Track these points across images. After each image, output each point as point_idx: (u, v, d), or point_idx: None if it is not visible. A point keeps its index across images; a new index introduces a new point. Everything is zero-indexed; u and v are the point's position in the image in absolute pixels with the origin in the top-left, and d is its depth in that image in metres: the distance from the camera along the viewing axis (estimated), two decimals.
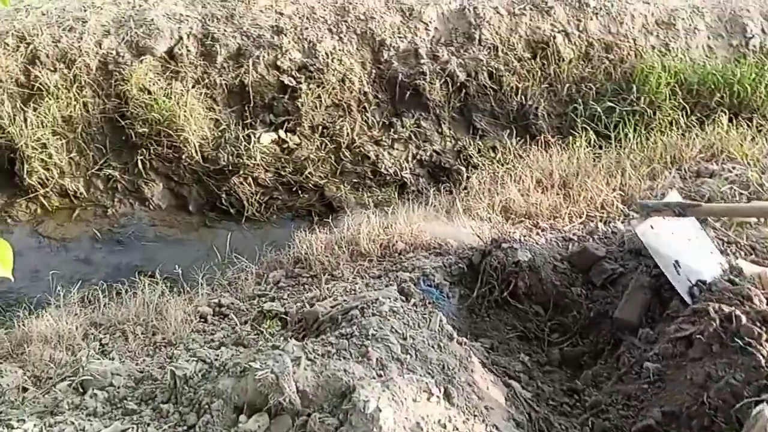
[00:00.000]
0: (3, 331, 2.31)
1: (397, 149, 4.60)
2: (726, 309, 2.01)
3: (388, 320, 1.81)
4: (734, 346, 1.91)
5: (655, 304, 2.24)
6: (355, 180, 4.39)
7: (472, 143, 4.68)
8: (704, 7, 5.45)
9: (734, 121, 4.05)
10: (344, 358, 1.63)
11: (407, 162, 4.51)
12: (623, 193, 3.24)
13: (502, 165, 3.88)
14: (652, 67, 4.80)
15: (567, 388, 2.15)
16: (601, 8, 5.28)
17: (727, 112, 4.21)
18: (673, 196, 2.36)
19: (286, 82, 4.62)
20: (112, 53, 4.62)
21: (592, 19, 5.20)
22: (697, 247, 2.37)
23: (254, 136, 4.34)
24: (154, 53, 4.63)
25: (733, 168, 3.34)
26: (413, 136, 4.70)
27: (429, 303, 2.16)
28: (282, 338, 1.93)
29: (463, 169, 4.39)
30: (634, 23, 5.26)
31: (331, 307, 2.00)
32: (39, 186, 4.06)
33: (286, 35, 4.91)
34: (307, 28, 4.99)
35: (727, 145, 3.65)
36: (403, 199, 4.07)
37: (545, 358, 2.27)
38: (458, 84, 4.87)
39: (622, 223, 2.85)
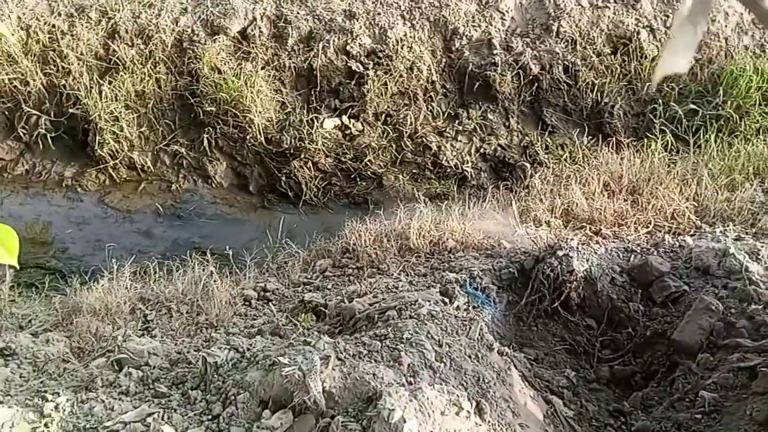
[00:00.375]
0: (58, 299, 2.38)
1: (461, 141, 4.49)
2: None
3: (426, 324, 1.74)
4: None
5: (719, 329, 2.07)
6: (414, 171, 4.32)
7: (540, 139, 4.50)
8: None
9: None
10: (375, 360, 1.57)
11: (470, 155, 4.39)
12: (696, 204, 3.03)
13: (570, 164, 3.71)
14: (743, 69, 4.47)
15: (613, 409, 2.03)
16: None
17: None
18: None
19: (354, 67, 4.57)
20: (187, 31, 4.70)
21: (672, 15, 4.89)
22: None
23: (317, 121, 4.33)
24: (228, 33, 4.68)
25: None
26: (478, 129, 4.57)
27: (473, 307, 2.07)
28: (317, 332, 1.90)
29: (528, 166, 4.24)
30: (727, 21, 4.91)
31: (369, 304, 1.95)
32: (109, 157, 4.20)
33: (357, 20, 4.85)
34: (379, 14, 4.92)
35: None
36: (462, 193, 3.98)
37: (593, 375, 2.15)
38: (531, 77, 4.69)
39: (692, 236, 2.66)
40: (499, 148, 4.52)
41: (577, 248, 2.39)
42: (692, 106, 4.37)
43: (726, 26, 4.92)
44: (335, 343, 1.64)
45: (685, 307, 2.18)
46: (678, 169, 3.37)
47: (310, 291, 2.32)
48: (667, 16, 4.91)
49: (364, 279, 2.31)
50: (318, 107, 4.47)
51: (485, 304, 2.14)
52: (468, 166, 4.34)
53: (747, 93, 4.39)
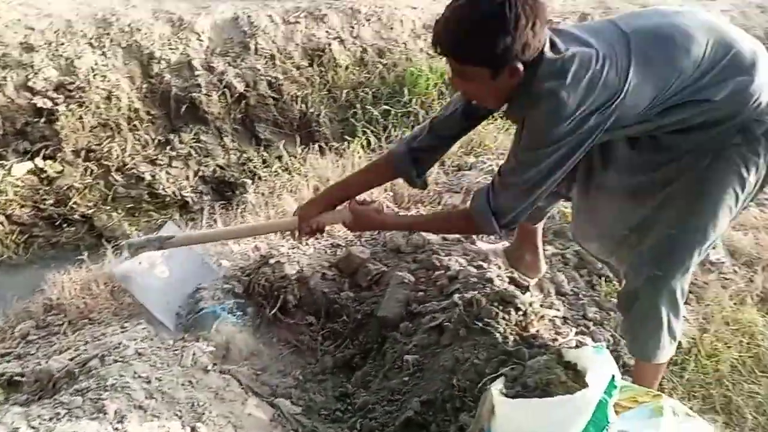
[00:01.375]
0: None
1: (176, 167, 4.41)
2: (468, 294, 2.18)
3: (131, 365, 1.70)
4: (476, 327, 2.07)
5: (413, 298, 2.36)
6: (130, 205, 4.13)
7: (256, 155, 4.63)
8: None
9: (492, 117, 4.42)
10: (76, 417, 1.49)
11: (188, 180, 4.34)
12: (393, 193, 3.40)
13: (284, 175, 3.87)
14: (421, 69, 5.10)
15: (339, 394, 2.19)
16: (372, 14, 5.49)
17: None
18: (167, 229, 2.30)
19: (41, 104, 4.20)
20: None
21: (364, 26, 5.39)
22: (181, 270, 2.38)
23: (4, 169, 3.89)
24: None
25: (487, 159, 3.65)
26: (194, 152, 4.53)
27: (191, 337, 2.07)
28: (10, 405, 1.72)
29: (249, 182, 4.32)
30: (403, 28, 5.54)
31: (70, 359, 1.83)
32: None
33: (38, 52, 4.46)
34: (63, 44, 4.59)
35: (484, 139, 3.99)
36: (186, 220, 3.91)
37: (318, 368, 2.30)
38: (237, 95, 4.79)
39: None
40: (218, 169, 4.55)
41: (287, 253, 2.52)
42: (385, 107, 4.87)
43: (403, 32, 5.55)
44: (26, 413, 1.51)
45: (386, 286, 2.44)
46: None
47: (9, 362, 2.09)
48: (353, 27, 5.38)
49: (71, 334, 2.16)
50: (4, 153, 4.01)
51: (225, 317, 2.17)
52: (188, 192, 4.28)
53: (427, 90, 5.03)
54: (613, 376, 1.75)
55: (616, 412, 1.72)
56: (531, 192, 1.76)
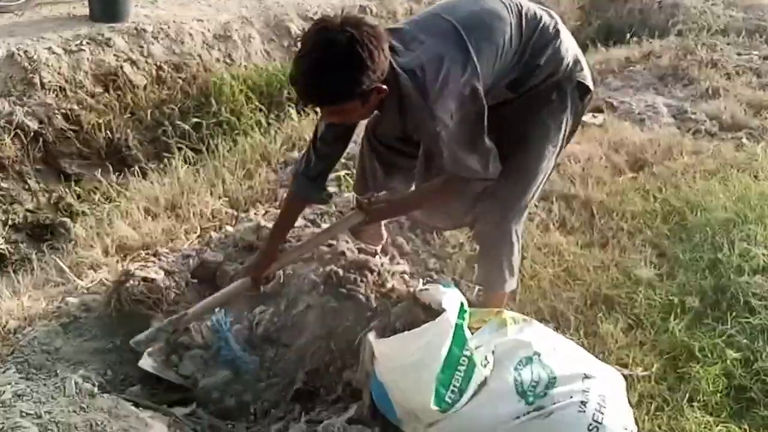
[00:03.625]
0: None
1: None
2: (326, 268, 2.39)
3: (15, 406, 1.66)
4: (340, 296, 2.28)
5: None
6: None
7: (68, 191, 4.39)
8: (251, 16, 6.04)
9: (303, 113, 4.63)
10: None
11: None
12: (229, 198, 3.48)
13: (107, 204, 3.75)
14: (222, 78, 5.17)
15: None
16: (159, 32, 5.40)
17: (295, 105, 4.80)
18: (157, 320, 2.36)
19: None
20: None
21: (153, 44, 5.30)
22: None
23: None
24: None
25: None
26: None
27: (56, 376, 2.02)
28: None
29: (68, 220, 4.11)
30: (194, 41, 5.54)
31: None
32: None
33: None
34: None
35: (302, 133, 4.20)
36: (6, 273, 3.62)
37: None
38: (32, 133, 4.48)
39: (233, 225, 3.08)
40: (29, 214, 4.25)
41: (143, 269, 2.52)
42: (195, 120, 4.87)
43: (195, 45, 5.55)
44: None
45: None
46: (203, 176, 3.77)
47: None
48: (142, 47, 5.26)
49: None
50: None
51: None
52: (1, 244, 3.95)
53: (234, 97, 5.11)
54: (462, 303, 2.07)
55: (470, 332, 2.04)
56: (480, 144, 2.01)
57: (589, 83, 2.23)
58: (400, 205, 2.43)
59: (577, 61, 2.18)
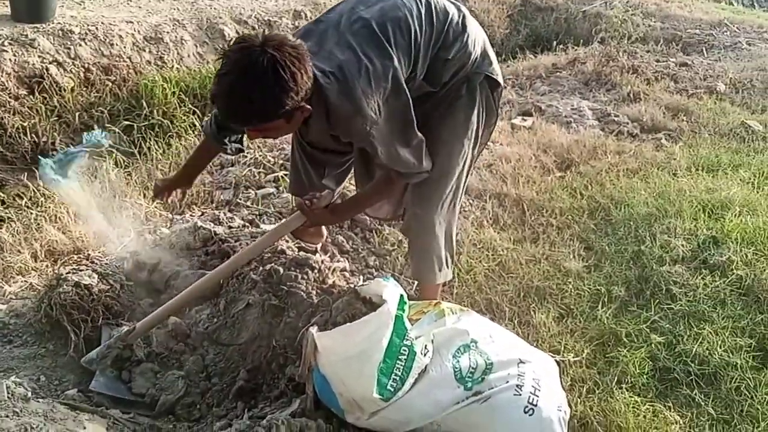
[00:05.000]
0: None
1: None
2: (266, 267, 2.39)
3: None
4: (281, 293, 2.29)
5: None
6: None
7: None
8: (184, 19, 5.95)
9: None
10: None
11: None
12: (162, 201, 3.41)
13: (34, 210, 3.60)
14: (154, 80, 5.06)
15: None
16: (86, 34, 5.24)
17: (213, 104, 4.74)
18: (105, 333, 2.33)
19: None
20: None
21: (81, 45, 5.14)
22: None
23: None
24: None
25: (248, 154, 3.84)
26: None
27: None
28: None
29: None
30: (124, 43, 5.40)
31: None
32: None
33: None
34: None
35: None
36: None
37: None
38: None
39: (168, 228, 3.03)
40: None
41: (76, 272, 2.45)
42: (126, 122, 4.74)
43: (125, 47, 5.41)
44: None
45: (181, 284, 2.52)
46: (135, 178, 3.68)
47: None
48: (69, 49, 5.09)
49: None
50: None
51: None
52: None
53: (166, 100, 5.01)
54: (402, 295, 2.12)
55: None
56: (412, 136, 2.07)
57: (498, 77, 2.26)
58: (342, 210, 2.44)
59: (485, 55, 2.21)
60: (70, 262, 2.70)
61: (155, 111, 4.87)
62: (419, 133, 2.08)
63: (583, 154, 4.25)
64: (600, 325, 2.75)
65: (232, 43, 1.75)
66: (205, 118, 2.34)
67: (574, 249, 3.24)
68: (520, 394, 1.98)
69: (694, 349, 2.62)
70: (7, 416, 1.64)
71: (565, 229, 3.43)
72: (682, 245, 3.19)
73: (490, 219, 3.51)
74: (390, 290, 2.09)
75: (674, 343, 2.68)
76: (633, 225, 3.40)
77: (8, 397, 1.72)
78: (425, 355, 1.98)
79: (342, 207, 2.44)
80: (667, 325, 2.76)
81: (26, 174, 4.22)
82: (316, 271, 2.43)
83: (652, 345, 2.65)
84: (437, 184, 2.29)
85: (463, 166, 2.32)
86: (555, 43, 6.97)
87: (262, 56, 1.65)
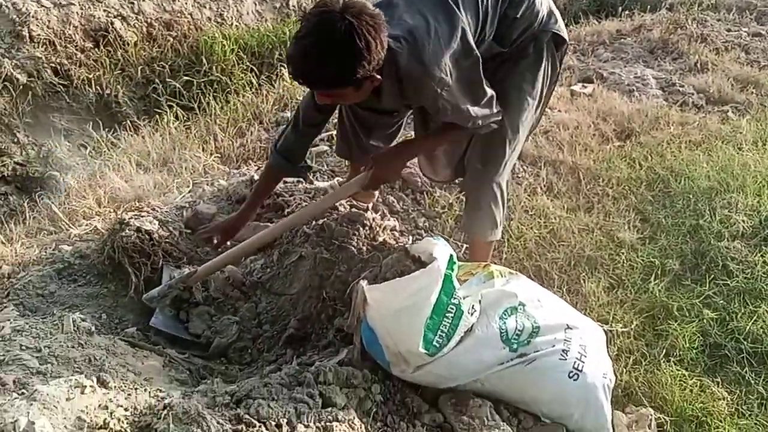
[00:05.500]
0: None
1: None
2: (319, 222, 2.43)
3: (14, 341, 1.70)
4: (332, 247, 2.33)
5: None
6: None
7: (58, 146, 4.37)
8: None
9: None
10: None
11: None
12: (221, 155, 3.50)
13: (98, 159, 3.76)
14: (213, 37, 5.13)
15: None
16: None
17: (286, 66, 4.79)
18: (166, 273, 2.40)
19: None
20: None
21: (144, 1, 5.24)
22: None
23: None
24: None
25: None
26: None
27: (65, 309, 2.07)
28: None
29: (57, 173, 4.10)
30: (185, 0, 5.47)
31: None
32: None
33: None
34: None
35: (294, 94, 4.20)
36: None
37: None
38: (21, 87, 4.45)
39: (225, 180, 3.11)
40: (18, 167, 4.23)
41: (138, 218, 2.55)
42: (186, 78, 4.84)
43: (187, 3, 5.49)
44: None
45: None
46: (194, 132, 3.78)
47: None
48: (133, 3, 5.21)
49: None
50: None
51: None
52: None
53: (225, 57, 5.08)
54: (452, 255, 2.12)
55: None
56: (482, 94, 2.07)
57: (564, 34, 2.27)
58: (406, 150, 2.41)
59: (551, 13, 2.22)
60: (132, 208, 2.80)
61: (214, 67, 4.95)
62: (488, 89, 2.07)
63: (645, 124, 4.12)
64: (651, 297, 2.71)
65: (312, 6, 1.78)
66: (270, 155, 2.42)
67: (630, 220, 3.18)
68: (566, 359, 1.98)
69: (748, 327, 2.55)
70: (73, 347, 1.74)
71: (621, 200, 3.36)
72: (743, 221, 3.09)
73: (544, 186, 3.46)
74: (440, 249, 2.10)
75: (727, 320, 2.62)
76: (692, 198, 3.30)
77: (74, 330, 1.82)
78: (472, 314, 1.99)
79: (405, 147, 2.44)
80: (721, 302, 2.69)
81: (91, 124, 4.39)
82: (367, 228, 2.45)
83: (704, 320, 2.60)
84: (501, 143, 2.29)
85: (526, 127, 2.32)
86: (620, 8, 6.69)
87: (340, 23, 1.68)
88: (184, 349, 2.17)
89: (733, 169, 3.53)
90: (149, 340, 2.16)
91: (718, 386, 2.35)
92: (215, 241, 2.41)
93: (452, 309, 1.96)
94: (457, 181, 2.86)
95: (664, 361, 2.41)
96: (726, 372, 2.44)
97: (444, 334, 1.92)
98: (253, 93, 4.37)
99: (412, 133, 2.72)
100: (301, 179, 2.92)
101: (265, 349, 2.21)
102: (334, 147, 3.52)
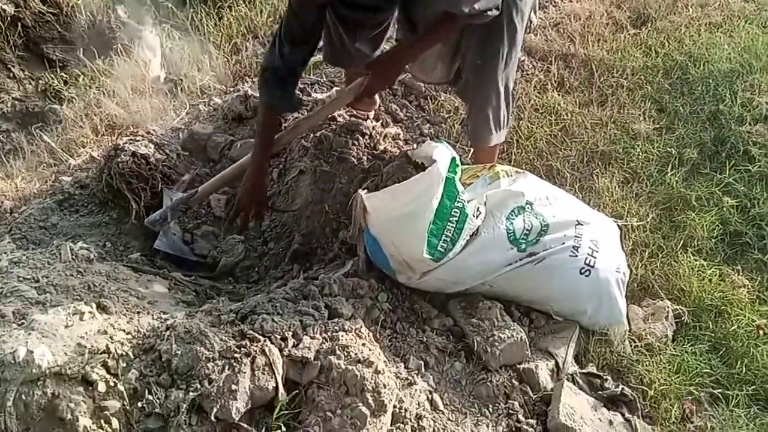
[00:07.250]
0: None
1: None
2: (317, 134, 2.34)
3: (11, 272, 1.69)
4: (331, 159, 2.25)
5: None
6: None
7: (54, 77, 4.26)
8: None
9: None
10: None
11: None
12: (215, 74, 3.38)
13: (93, 85, 3.67)
14: None
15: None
16: None
17: None
18: (166, 196, 2.31)
19: None
20: None
21: None
22: None
23: None
24: None
25: None
26: None
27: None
28: None
29: (58, 107, 4.02)
30: None
31: None
32: None
33: None
34: None
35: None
36: None
37: None
38: (9, 18, 4.30)
39: (223, 99, 3.01)
40: (17, 102, 4.15)
41: (133, 143, 2.49)
42: None
43: None
44: None
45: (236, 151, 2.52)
46: (188, 51, 3.64)
47: None
48: None
49: None
50: None
51: None
52: None
53: None
54: (454, 158, 2.04)
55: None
56: None
57: None
58: (401, 54, 2.21)
59: None
60: (128, 134, 2.73)
61: None
62: None
63: (662, 8, 3.85)
64: (668, 189, 2.61)
65: None
66: (263, 95, 2.21)
67: (645, 110, 3.03)
68: (576, 255, 1.92)
69: None
70: (72, 275, 1.73)
71: (637, 90, 3.19)
72: (767, 102, 2.92)
73: (555, 82, 3.29)
74: (440, 151, 2.02)
75: (748, 207, 2.52)
76: (712, 83, 3.12)
77: (72, 258, 1.80)
78: (477, 217, 1.93)
79: (399, 52, 2.28)
80: (742, 188, 2.58)
81: (82, 51, 4.25)
82: (367, 137, 2.37)
83: (724, 208, 2.50)
84: (500, 32, 2.13)
85: (527, 4, 2.14)
86: None
87: None
88: (190, 272, 2.15)
89: (757, 49, 3.30)
90: (155, 265, 2.15)
91: (738, 274, 2.29)
92: (254, 219, 2.25)
93: (456, 212, 1.89)
94: (454, 88, 2.71)
95: (681, 253, 2.34)
96: (747, 259, 2.37)
97: (448, 239, 1.87)
98: (246, 6, 4.17)
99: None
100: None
101: (272, 266, 2.19)
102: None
